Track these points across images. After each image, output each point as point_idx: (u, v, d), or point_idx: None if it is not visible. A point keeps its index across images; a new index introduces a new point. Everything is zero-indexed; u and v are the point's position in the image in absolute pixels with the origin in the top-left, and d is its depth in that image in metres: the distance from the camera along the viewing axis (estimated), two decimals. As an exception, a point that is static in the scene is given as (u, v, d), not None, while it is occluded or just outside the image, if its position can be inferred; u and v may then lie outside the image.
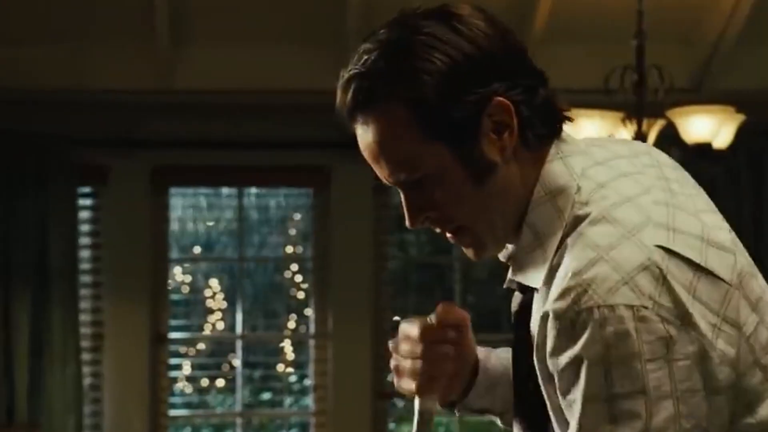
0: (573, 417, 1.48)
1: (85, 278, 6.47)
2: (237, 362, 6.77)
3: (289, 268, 6.93)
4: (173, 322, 6.71)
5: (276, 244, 6.95)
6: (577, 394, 1.46)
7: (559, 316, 1.46)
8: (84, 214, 6.49)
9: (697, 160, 5.05)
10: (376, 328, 6.67)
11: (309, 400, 6.81)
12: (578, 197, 1.53)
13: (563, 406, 1.50)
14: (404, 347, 1.70)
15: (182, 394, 6.80)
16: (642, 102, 4.99)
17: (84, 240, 6.47)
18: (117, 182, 6.45)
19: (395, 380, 1.73)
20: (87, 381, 6.43)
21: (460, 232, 1.59)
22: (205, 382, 6.85)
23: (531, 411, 1.61)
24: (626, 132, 4.95)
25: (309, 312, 6.79)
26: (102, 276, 6.50)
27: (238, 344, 6.78)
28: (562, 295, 1.46)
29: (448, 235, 1.60)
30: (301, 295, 6.90)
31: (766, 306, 1.53)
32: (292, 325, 6.91)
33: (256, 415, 6.98)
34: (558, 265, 1.50)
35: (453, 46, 1.52)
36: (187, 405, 6.84)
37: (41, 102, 6.12)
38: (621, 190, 1.52)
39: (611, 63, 5.02)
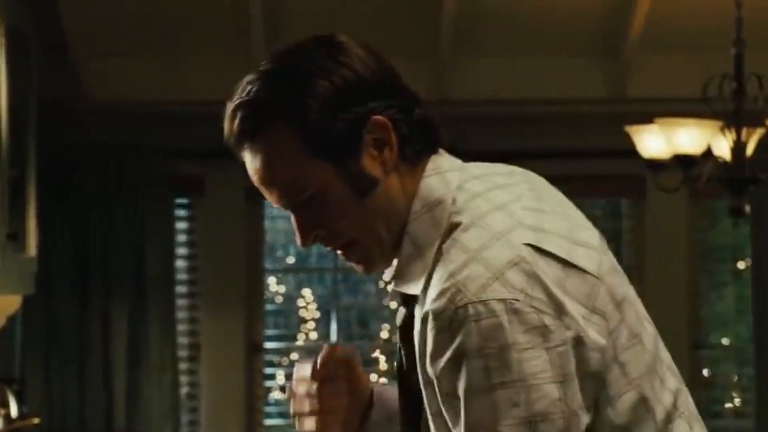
0: (458, 414, 1.54)
1: (182, 288, 6.53)
2: (331, 372, 6.77)
3: (381, 278, 6.92)
4: (268, 332, 6.75)
5: (370, 255, 6.95)
6: (461, 390, 1.53)
7: (437, 315, 1.54)
8: (180, 225, 6.55)
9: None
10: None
11: (403, 411, 6.80)
12: (453, 208, 1.62)
13: (444, 408, 1.57)
14: (300, 389, 1.80)
15: (277, 403, 6.84)
16: (741, 110, 4.91)
17: (180, 250, 6.53)
18: (213, 193, 6.50)
19: (296, 424, 1.82)
20: (184, 390, 6.49)
21: (349, 247, 1.67)
22: (299, 391, 6.87)
23: (422, 425, 1.67)
24: (725, 141, 4.88)
25: (403, 322, 6.78)
26: (198, 286, 6.56)
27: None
28: (439, 296, 1.55)
29: (339, 252, 1.68)
30: (394, 304, 6.89)
31: (628, 307, 1.63)
32: (385, 335, 6.91)
33: (351, 425, 6.98)
34: (434, 271, 1.59)
35: (332, 72, 1.61)
36: (282, 414, 6.87)
37: (138, 114, 6.19)
38: (493, 199, 1.62)
39: (709, 71, 4.96)
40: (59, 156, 6.11)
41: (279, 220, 6.83)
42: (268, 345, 6.72)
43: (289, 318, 6.91)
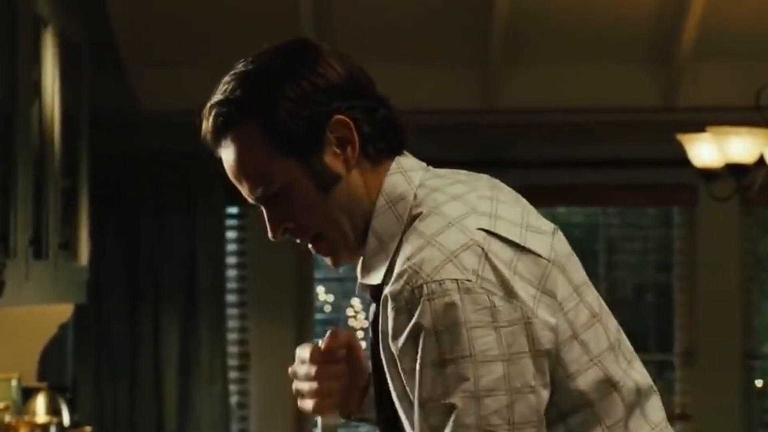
0: (415, 387, 1.63)
1: (232, 297, 6.55)
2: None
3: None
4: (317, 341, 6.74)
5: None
6: (417, 364, 1.62)
7: (395, 297, 1.64)
8: (231, 234, 6.57)
9: None
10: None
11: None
12: (415, 202, 1.72)
13: (408, 387, 1.66)
14: (300, 370, 1.92)
15: (326, 412, 6.83)
16: (794, 119, 4.87)
17: (230, 260, 6.55)
18: (262, 202, 6.51)
19: (298, 402, 1.94)
20: (234, 399, 6.51)
21: (317, 241, 1.77)
22: (348, 400, 6.86)
23: (392, 417, 1.74)
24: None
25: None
26: (248, 295, 6.58)
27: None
28: (397, 278, 1.65)
29: (310, 246, 1.78)
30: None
31: (587, 290, 1.72)
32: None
33: (400, 434, 6.97)
34: (395, 259, 1.69)
35: (301, 75, 1.72)
36: (332, 423, 6.86)
37: (190, 123, 6.21)
38: (451, 191, 1.72)
39: (762, 79, 4.92)
40: (111, 165, 6.14)
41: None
42: (318, 354, 6.71)
43: (337, 327, 6.91)
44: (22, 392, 4.69)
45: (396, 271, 1.66)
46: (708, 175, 5.06)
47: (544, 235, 1.72)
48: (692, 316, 6.61)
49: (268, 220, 1.79)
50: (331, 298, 6.91)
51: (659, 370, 6.74)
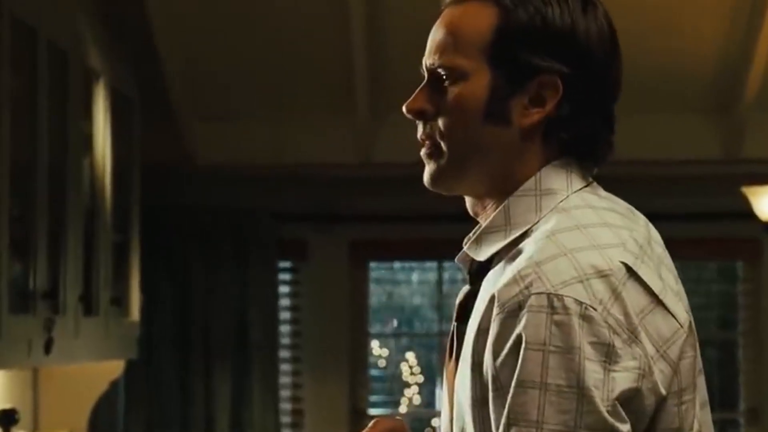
0: (505, 402, 1.43)
1: (285, 353, 6.49)
2: (436, 439, 6.69)
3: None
4: (371, 398, 6.68)
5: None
6: (513, 378, 1.43)
7: (506, 300, 1.45)
8: (284, 289, 6.52)
9: None
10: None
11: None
12: (563, 204, 1.54)
13: (493, 405, 1.45)
14: None
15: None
16: None
17: (283, 315, 6.50)
18: (316, 257, 6.47)
19: None
20: (287, 457, 6.44)
21: (435, 149, 1.60)
22: (403, 458, 6.76)
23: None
24: None
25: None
26: (301, 351, 6.51)
27: (436, 421, 6.69)
28: (515, 279, 1.45)
29: (423, 152, 1.61)
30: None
31: (701, 387, 1.53)
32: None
33: (456, 493, 6.85)
34: (518, 251, 1.50)
35: (572, 18, 1.56)
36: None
37: (243, 177, 6.19)
38: (606, 217, 1.54)
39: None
40: (162, 219, 6.13)
41: (383, 284, 6.77)
42: (372, 411, 6.64)
43: (392, 382, 6.84)
44: (71, 450, 4.63)
45: (516, 270, 1.46)
46: (774, 228, 4.95)
47: (682, 306, 1.53)
48: (758, 373, 6.51)
49: (417, 94, 1.63)
50: (385, 352, 6.84)
51: (723, 429, 6.60)
